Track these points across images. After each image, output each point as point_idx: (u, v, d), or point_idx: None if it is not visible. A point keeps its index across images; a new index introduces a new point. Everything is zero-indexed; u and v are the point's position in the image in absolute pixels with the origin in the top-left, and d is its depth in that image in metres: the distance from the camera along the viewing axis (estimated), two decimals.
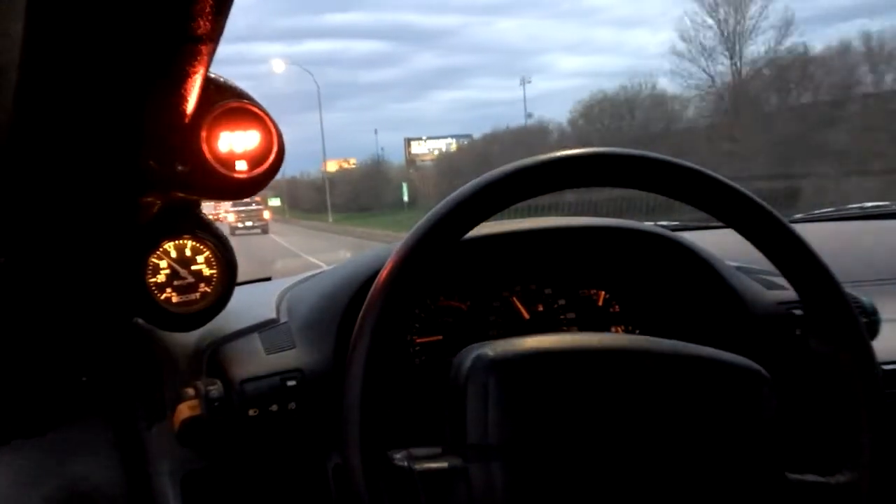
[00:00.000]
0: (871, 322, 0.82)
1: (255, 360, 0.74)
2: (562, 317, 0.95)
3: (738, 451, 0.57)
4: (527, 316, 0.94)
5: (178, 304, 0.77)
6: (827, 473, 0.59)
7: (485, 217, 0.57)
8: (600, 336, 0.62)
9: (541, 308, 0.95)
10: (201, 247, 0.78)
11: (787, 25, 17.28)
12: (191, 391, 0.72)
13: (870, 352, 0.59)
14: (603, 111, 20.07)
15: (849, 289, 0.61)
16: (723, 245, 0.87)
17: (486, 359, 0.55)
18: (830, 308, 0.59)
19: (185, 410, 0.70)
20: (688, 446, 0.56)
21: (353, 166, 46.24)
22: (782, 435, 0.60)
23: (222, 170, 0.59)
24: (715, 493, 0.56)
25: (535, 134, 22.66)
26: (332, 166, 50.21)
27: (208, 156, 0.58)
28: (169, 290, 0.76)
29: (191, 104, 0.51)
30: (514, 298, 0.95)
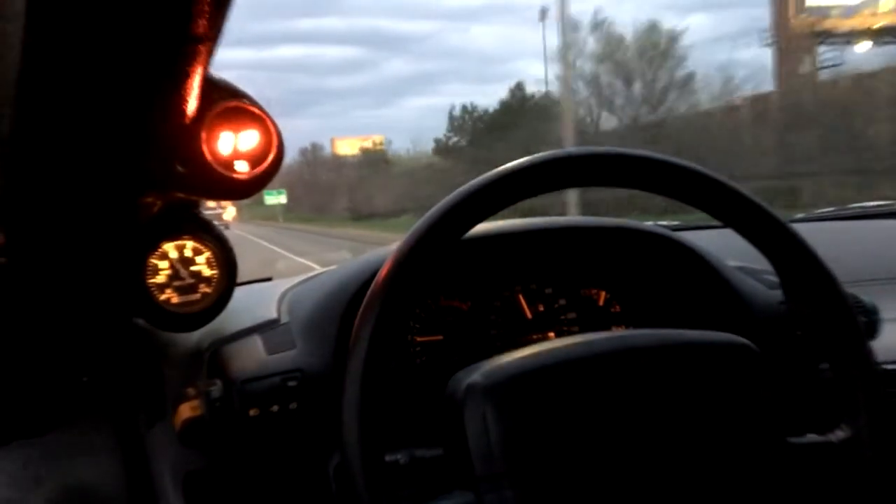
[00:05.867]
0: (871, 322, 0.82)
1: (255, 361, 0.74)
2: (563, 317, 0.95)
3: (738, 427, 0.58)
4: (529, 316, 0.94)
5: (178, 304, 0.77)
6: (826, 431, 0.59)
7: (485, 217, 0.56)
8: (584, 339, 0.61)
9: (542, 308, 0.95)
10: (201, 247, 0.78)
11: None
12: (192, 391, 0.72)
13: (868, 355, 0.59)
14: None
15: (849, 288, 0.61)
16: (723, 245, 0.87)
17: (478, 388, 0.55)
18: (830, 308, 0.59)
19: (185, 411, 0.70)
20: (690, 431, 0.56)
21: (380, 146, 37.66)
22: (779, 403, 0.60)
23: (222, 170, 0.59)
24: (722, 471, 0.56)
25: None
26: (346, 147, 39.97)
27: (208, 156, 0.58)
28: (169, 290, 0.76)
29: (191, 104, 0.51)
30: (515, 298, 0.95)
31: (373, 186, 29.54)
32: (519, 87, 26.35)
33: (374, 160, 35.98)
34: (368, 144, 38.93)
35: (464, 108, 29.42)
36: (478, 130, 27.21)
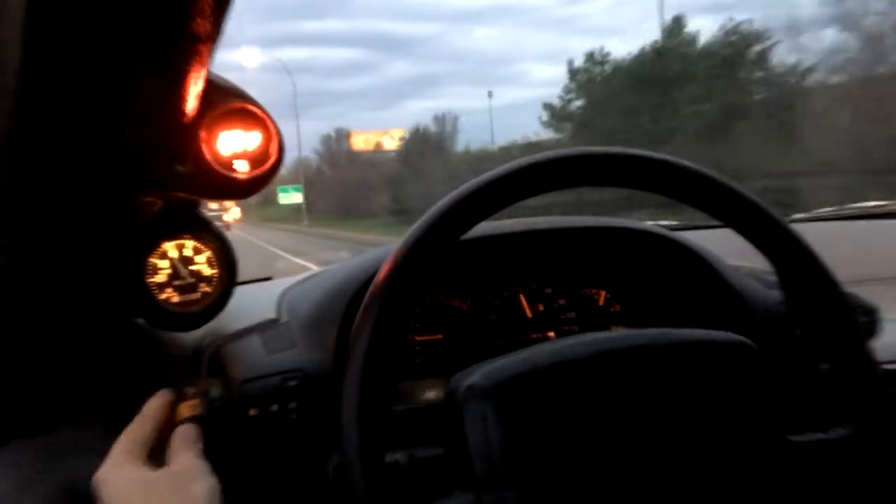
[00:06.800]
0: (871, 321, 0.82)
1: (255, 360, 0.74)
2: (562, 316, 0.95)
3: (738, 425, 0.58)
4: (529, 315, 0.94)
5: (178, 304, 0.77)
6: (826, 430, 0.59)
7: (485, 216, 0.56)
8: (584, 339, 0.61)
9: (541, 308, 0.95)
10: (202, 247, 0.78)
11: None
12: (191, 391, 0.72)
13: (868, 355, 0.59)
14: None
15: (849, 288, 0.61)
16: (723, 245, 0.87)
17: (478, 389, 0.55)
18: (830, 307, 0.59)
19: (186, 410, 0.70)
20: (690, 430, 0.56)
21: (400, 141, 31.70)
22: (780, 401, 0.60)
23: (222, 170, 0.59)
24: (722, 469, 0.56)
25: None
26: (362, 142, 33.92)
27: (208, 156, 0.58)
28: (169, 290, 0.77)
29: (191, 104, 0.51)
30: (515, 298, 0.95)
31: (425, 180, 22.33)
32: (677, 22, 17.58)
33: (430, 148, 28.64)
34: (386, 139, 33.44)
35: (590, 56, 19.69)
36: (609, 89, 18.10)
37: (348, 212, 27.80)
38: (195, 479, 0.56)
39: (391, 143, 33.37)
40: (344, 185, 29.85)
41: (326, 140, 38.06)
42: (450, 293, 0.92)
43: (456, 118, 31.37)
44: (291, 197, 27.49)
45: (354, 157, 33.86)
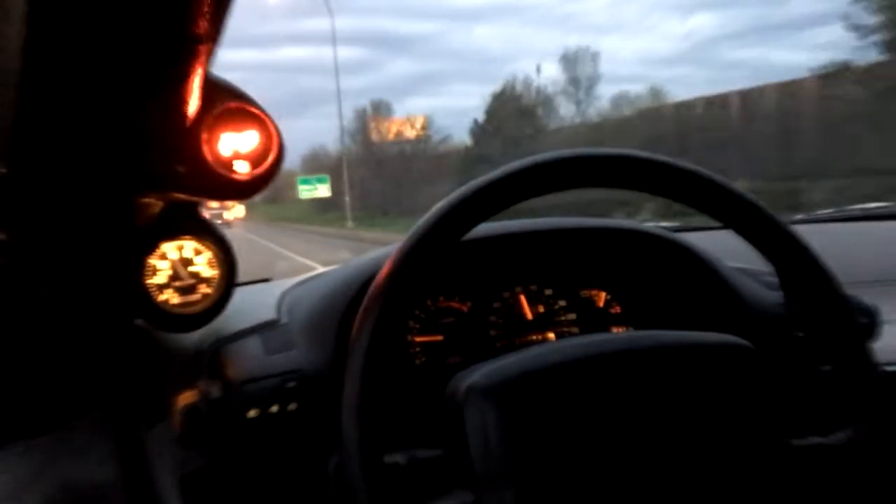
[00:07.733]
0: (871, 323, 0.82)
1: (255, 361, 0.74)
2: (562, 318, 0.95)
3: (738, 429, 0.58)
4: (529, 316, 0.94)
5: (178, 305, 0.77)
6: (827, 433, 0.59)
7: (485, 218, 0.56)
8: (584, 340, 0.61)
9: (542, 309, 0.95)
10: (202, 248, 0.78)
11: None
12: (191, 392, 0.72)
13: (869, 356, 0.59)
14: None
15: (849, 290, 0.61)
16: (724, 246, 0.87)
17: (478, 388, 0.55)
18: (830, 309, 0.59)
19: (186, 397, 0.71)
20: (691, 433, 0.56)
21: (422, 131, 27.14)
22: (780, 404, 0.60)
23: (222, 171, 0.60)
24: (723, 472, 0.56)
25: None
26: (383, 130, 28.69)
27: (208, 157, 0.59)
28: (169, 291, 0.77)
29: (190, 105, 0.51)
30: (515, 299, 0.95)
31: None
32: None
33: (530, 112, 21.27)
34: (407, 129, 28.15)
35: None
36: None
37: (386, 209, 22.64)
38: None
39: (412, 131, 28.35)
40: (389, 174, 24.05)
41: (361, 115, 29.46)
42: (450, 294, 0.92)
43: (596, 54, 21.75)
44: (315, 190, 21.22)
45: (387, 149, 27.98)
